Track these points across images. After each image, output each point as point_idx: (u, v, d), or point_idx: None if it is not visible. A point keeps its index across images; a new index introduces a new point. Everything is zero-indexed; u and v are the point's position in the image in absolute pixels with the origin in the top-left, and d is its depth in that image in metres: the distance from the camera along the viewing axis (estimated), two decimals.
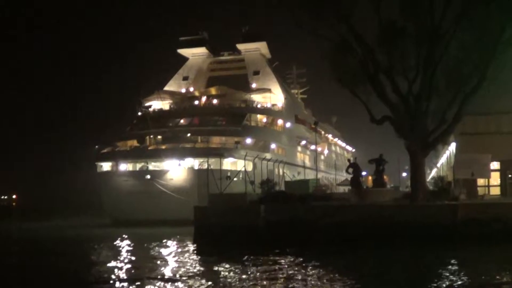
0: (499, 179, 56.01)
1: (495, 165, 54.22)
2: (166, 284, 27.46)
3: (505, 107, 52.68)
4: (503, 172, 55.66)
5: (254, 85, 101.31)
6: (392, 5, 41.71)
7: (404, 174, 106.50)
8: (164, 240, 49.23)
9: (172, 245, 47.14)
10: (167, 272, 31.60)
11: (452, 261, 31.84)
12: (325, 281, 27.12)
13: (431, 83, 42.18)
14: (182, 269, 32.30)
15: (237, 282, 27.30)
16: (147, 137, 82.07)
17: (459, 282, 25.77)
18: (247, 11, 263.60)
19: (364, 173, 57.53)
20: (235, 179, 65.99)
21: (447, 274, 27.92)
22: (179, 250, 43.37)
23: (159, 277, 29.60)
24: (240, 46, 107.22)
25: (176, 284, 27.45)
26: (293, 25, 43.57)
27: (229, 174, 69.23)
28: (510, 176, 55.57)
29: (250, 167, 70.36)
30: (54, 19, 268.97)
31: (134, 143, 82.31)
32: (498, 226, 36.64)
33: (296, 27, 43.14)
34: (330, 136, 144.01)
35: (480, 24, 40.19)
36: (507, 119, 54.02)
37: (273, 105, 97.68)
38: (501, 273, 28.10)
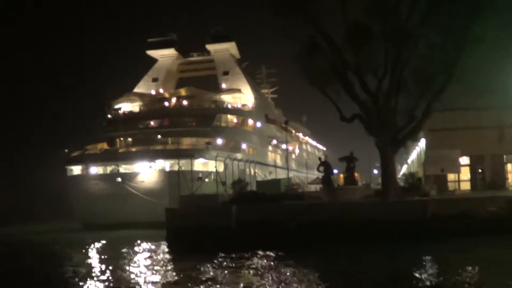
0: (469, 174, 56.57)
1: (464, 160, 54.84)
2: None
3: (472, 103, 53.20)
4: (472, 167, 56.29)
5: (224, 86, 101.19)
6: (360, 4, 41.89)
7: (375, 171, 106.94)
8: (136, 243, 49.02)
9: (144, 247, 46.96)
10: (140, 275, 31.46)
11: (423, 257, 32.01)
12: (296, 279, 27.19)
13: (399, 81, 42.47)
14: (155, 272, 32.20)
15: (210, 284, 27.25)
16: (117, 140, 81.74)
17: (431, 278, 25.94)
18: (216, 12, 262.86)
19: (335, 171, 57.66)
20: (206, 180, 65.92)
21: (418, 271, 28.09)
22: (151, 252, 43.21)
23: (131, 281, 29.45)
24: (210, 47, 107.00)
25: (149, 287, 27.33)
26: (262, 26, 43.61)
27: (200, 175, 69.09)
28: (479, 171, 56.14)
29: (221, 168, 70.25)
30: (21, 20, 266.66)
31: (104, 146, 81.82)
32: (468, 220, 37.02)
33: (265, 28, 43.20)
34: (300, 135, 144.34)
35: (446, 23, 40.50)
36: (475, 115, 54.53)
37: (243, 105, 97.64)
38: (471, 268, 28.37)
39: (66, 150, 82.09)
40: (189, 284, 27.32)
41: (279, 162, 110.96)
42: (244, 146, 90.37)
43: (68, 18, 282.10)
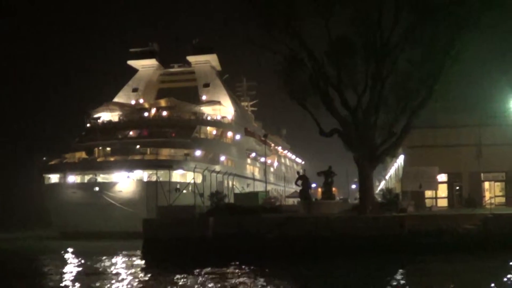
0: (446, 191, 56.84)
1: (442, 177, 55.10)
2: None
3: (451, 121, 53.57)
4: (450, 184, 56.60)
5: (204, 97, 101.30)
6: (342, 21, 42.05)
7: (353, 186, 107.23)
8: (113, 253, 48.77)
9: (120, 258, 46.73)
10: (113, 286, 31.25)
11: (399, 272, 32.15)
12: None
13: (379, 97, 42.63)
14: (130, 284, 32.01)
15: None
16: (96, 149, 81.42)
17: None
18: (197, 24, 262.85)
19: (313, 185, 57.80)
20: (184, 191, 65.76)
21: (394, 285, 28.17)
22: (128, 263, 43.01)
23: None
24: (191, 58, 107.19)
25: None
26: (244, 39, 43.64)
27: (178, 186, 68.99)
28: (457, 188, 56.45)
29: (199, 179, 70.20)
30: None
31: (83, 155, 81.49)
32: (445, 237, 37.21)
33: (246, 41, 43.22)
34: (279, 148, 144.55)
35: (428, 39, 40.76)
36: (454, 132, 54.90)
37: (222, 117, 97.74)
38: (446, 283, 28.52)
39: (44, 158, 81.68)
40: None
41: (257, 175, 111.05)
42: (222, 158, 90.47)
43: (48, 25, 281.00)
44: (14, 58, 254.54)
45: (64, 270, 39.59)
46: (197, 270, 34.37)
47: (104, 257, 46.18)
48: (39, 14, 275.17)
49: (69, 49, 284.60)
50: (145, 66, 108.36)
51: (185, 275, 32.70)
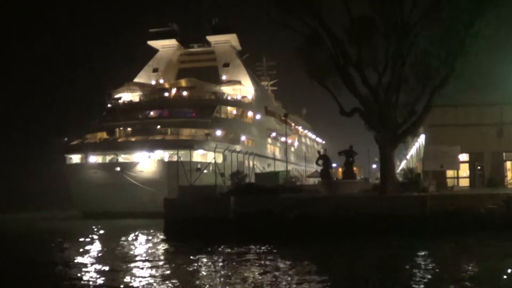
0: (468, 171, 56.53)
1: (464, 156, 54.74)
2: (136, 279, 27.26)
3: (473, 99, 53.14)
4: (471, 163, 56.22)
5: (224, 77, 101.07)
6: None
7: (374, 166, 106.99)
8: (134, 233, 49.00)
9: (141, 237, 46.92)
10: (135, 266, 31.38)
11: (421, 253, 32.03)
12: (294, 272, 27.14)
13: (400, 76, 42.39)
14: (152, 263, 32.13)
15: (207, 276, 27.26)
16: (117, 129, 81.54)
17: (427, 274, 25.89)
18: (217, 3, 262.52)
19: (334, 165, 57.63)
20: (205, 171, 65.89)
21: (416, 267, 28.08)
22: (149, 242, 43.17)
23: (127, 272, 29.40)
24: (210, 38, 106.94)
25: (146, 279, 27.28)
26: (263, 18, 43.47)
27: (199, 166, 69.10)
28: (479, 167, 56.09)
29: (220, 159, 70.31)
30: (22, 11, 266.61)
31: (104, 135, 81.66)
32: (466, 217, 37.03)
33: (266, 20, 43.06)
34: (300, 128, 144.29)
35: (448, 17, 40.40)
36: (476, 111, 54.43)
37: (243, 97, 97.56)
38: (469, 265, 28.39)
39: (65, 139, 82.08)
40: (186, 276, 27.31)
41: (278, 154, 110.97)
42: (243, 138, 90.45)
43: (71, 7, 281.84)
44: (34, 38, 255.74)
45: (85, 250, 39.79)
46: (218, 249, 34.50)
47: (124, 237, 46.42)
48: None
49: (90, 30, 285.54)
50: (165, 46, 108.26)
51: (206, 255, 32.79)
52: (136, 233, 48.91)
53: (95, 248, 41.80)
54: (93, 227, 56.69)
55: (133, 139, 77.91)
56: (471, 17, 39.54)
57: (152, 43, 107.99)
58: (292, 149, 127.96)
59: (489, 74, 46.82)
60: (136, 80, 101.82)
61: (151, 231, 49.50)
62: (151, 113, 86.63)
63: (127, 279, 27.10)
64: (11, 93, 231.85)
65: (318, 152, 53.98)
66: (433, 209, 37.71)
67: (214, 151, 68.36)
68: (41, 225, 64.03)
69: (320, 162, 48.12)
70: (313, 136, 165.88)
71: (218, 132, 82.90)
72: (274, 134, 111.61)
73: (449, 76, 41.55)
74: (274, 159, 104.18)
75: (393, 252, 33.15)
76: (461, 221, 36.74)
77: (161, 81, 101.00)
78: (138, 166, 73.52)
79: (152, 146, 74.94)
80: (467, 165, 56.41)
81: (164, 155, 75.45)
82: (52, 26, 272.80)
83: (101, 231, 53.35)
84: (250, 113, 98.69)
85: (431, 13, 40.63)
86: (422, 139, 60.73)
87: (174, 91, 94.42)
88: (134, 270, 29.71)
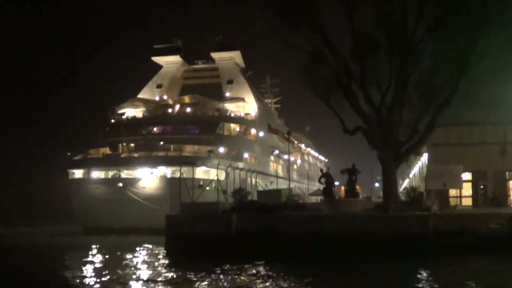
0: (470, 190, 56.44)
1: (467, 175, 54.69)
2: None
3: (477, 118, 53.15)
4: (474, 182, 56.14)
5: (227, 94, 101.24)
6: (366, 17, 41.90)
7: (377, 185, 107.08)
8: (136, 249, 48.92)
9: (143, 254, 46.87)
10: (138, 283, 31.34)
11: (423, 272, 31.94)
12: None
13: (403, 95, 42.42)
14: (153, 280, 32.05)
15: None
16: (120, 145, 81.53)
17: None
18: (221, 20, 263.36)
19: (336, 183, 57.60)
20: (207, 188, 65.78)
21: (418, 285, 27.99)
22: (151, 259, 43.11)
23: None
24: (214, 55, 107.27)
25: None
26: (267, 35, 43.63)
27: (201, 183, 68.98)
28: (481, 186, 56.00)
29: (222, 176, 70.16)
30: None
31: (107, 150, 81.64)
32: (469, 236, 36.88)
33: (270, 37, 43.20)
34: (303, 146, 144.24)
35: (452, 36, 40.47)
36: (479, 130, 54.49)
37: (246, 114, 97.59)
38: (471, 285, 28.29)
39: (68, 154, 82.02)
40: None
41: (280, 172, 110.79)
42: (246, 155, 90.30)
43: (75, 22, 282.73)
44: (39, 53, 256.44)
45: (86, 266, 39.74)
46: (219, 267, 34.37)
47: (127, 253, 46.34)
48: (64, 9, 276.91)
49: (95, 45, 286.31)
50: (169, 62, 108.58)
51: (207, 272, 32.70)
52: (137, 249, 48.83)
53: (94, 264, 41.70)
54: (95, 242, 56.54)
55: (136, 155, 77.86)
56: (475, 36, 39.61)
57: (156, 59, 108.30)
58: (295, 166, 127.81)
59: (492, 92, 46.80)
60: (139, 96, 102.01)
61: (153, 247, 49.41)
62: (154, 129, 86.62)
63: None
64: (14, 106, 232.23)
65: (321, 170, 54.06)
66: (435, 228, 37.59)
67: (217, 168, 68.28)
68: (42, 239, 63.95)
69: (323, 180, 48.03)
70: (316, 154, 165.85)
71: (221, 149, 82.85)
72: (277, 151, 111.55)
73: (452, 95, 41.58)
74: (277, 176, 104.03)
75: (395, 272, 33.06)
76: (464, 240, 36.61)
77: (165, 97, 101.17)
78: (141, 182, 73.42)
79: (155, 162, 74.89)
80: (469, 184, 56.34)
81: (166, 171, 75.34)
82: (56, 39, 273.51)
83: (102, 247, 53.18)
84: (253, 131, 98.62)
85: (435, 31, 40.72)
86: (424, 158, 60.73)
87: (177, 107, 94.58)
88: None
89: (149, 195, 71.34)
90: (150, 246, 50.34)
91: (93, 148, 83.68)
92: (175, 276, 33.31)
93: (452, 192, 55.20)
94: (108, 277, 33.55)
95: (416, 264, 34.22)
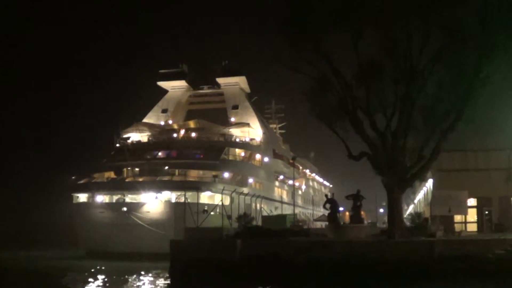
0: (476, 216, 56.23)
1: (472, 201, 54.48)
2: None
3: (482, 144, 53.09)
4: (479, 208, 55.91)
5: (233, 119, 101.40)
6: (371, 43, 42.06)
7: (382, 210, 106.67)
8: (140, 274, 48.80)
9: (147, 279, 46.73)
10: None
11: None
12: None
13: (408, 120, 42.46)
14: None
15: None
16: (125, 169, 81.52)
17: None
18: (227, 45, 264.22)
19: (341, 209, 57.44)
20: (212, 213, 65.80)
21: None
22: (155, 284, 42.97)
23: None
24: (220, 80, 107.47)
25: None
26: (273, 60, 43.85)
27: (206, 208, 68.97)
28: (486, 212, 55.79)
29: (227, 201, 70.19)
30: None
31: (111, 174, 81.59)
32: (474, 262, 36.71)
33: (277, 63, 43.42)
34: (307, 171, 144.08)
35: (457, 62, 40.59)
36: (484, 156, 54.39)
37: (251, 139, 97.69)
38: None
39: (73, 178, 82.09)
40: None
41: (285, 197, 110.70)
42: (251, 180, 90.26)
43: (80, 45, 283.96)
44: (45, 76, 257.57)
45: None
46: None
47: (131, 278, 46.22)
48: (70, 33, 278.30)
49: (101, 70, 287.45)
50: (174, 87, 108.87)
51: None
52: (141, 274, 48.70)
53: (99, 285, 41.61)
54: (98, 267, 56.41)
55: (140, 180, 77.85)
56: (479, 62, 39.73)
57: (162, 84, 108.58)
58: (300, 192, 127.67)
59: (497, 118, 46.82)
60: (145, 120, 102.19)
61: (157, 272, 49.27)
62: (159, 153, 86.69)
63: None
64: (18, 128, 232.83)
65: (326, 195, 53.83)
66: (441, 254, 37.45)
67: (222, 193, 68.33)
68: (46, 263, 63.86)
69: (328, 205, 47.93)
70: (321, 180, 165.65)
71: (226, 174, 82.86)
72: (281, 177, 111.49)
73: (457, 120, 41.64)
74: (282, 202, 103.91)
75: None
76: (469, 266, 36.44)
77: (170, 122, 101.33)
78: (145, 206, 73.33)
79: (160, 186, 74.85)
80: (475, 210, 56.13)
81: (171, 196, 75.30)
82: (61, 63, 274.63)
83: (106, 272, 53.05)
84: (258, 156, 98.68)
85: (440, 58, 40.85)
86: (430, 183, 60.57)
87: (182, 132, 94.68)
88: None
89: (154, 219, 71.25)
90: (154, 271, 50.18)
91: (98, 172, 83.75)
92: None
93: (457, 218, 54.95)
94: None
95: None
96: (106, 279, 47.66)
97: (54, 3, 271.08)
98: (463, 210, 51.49)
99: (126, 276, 46.83)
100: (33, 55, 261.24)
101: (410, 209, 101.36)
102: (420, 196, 78.40)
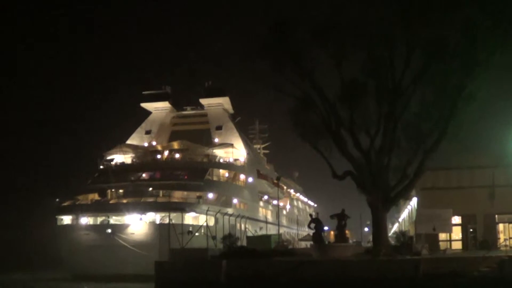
0: (460, 234, 56.36)
1: (456, 219, 54.60)
2: None
3: (465, 162, 53.29)
4: (464, 226, 56.07)
5: (216, 140, 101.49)
6: (354, 62, 42.25)
7: (366, 229, 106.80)
8: None
9: None
10: None
11: None
12: None
13: (392, 139, 42.61)
14: None
15: None
16: (109, 191, 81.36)
17: None
18: (210, 66, 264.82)
19: (326, 228, 57.46)
20: (196, 234, 65.58)
21: None
22: None
23: None
24: (203, 101, 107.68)
25: None
26: (257, 81, 43.96)
27: (190, 229, 68.77)
28: (471, 230, 55.94)
29: (212, 222, 70.00)
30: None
31: (95, 196, 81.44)
32: (460, 280, 36.73)
33: (260, 83, 43.52)
34: (292, 191, 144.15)
35: (439, 81, 40.85)
36: (468, 174, 54.56)
37: (235, 160, 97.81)
38: None
39: (57, 200, 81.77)
40: None
41: (270, 217, 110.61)
42: (235, 201, 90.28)
43: (63, 64, 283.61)
44: (26, 96, 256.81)
45: None
46: None
47: None
48: (51, 53, 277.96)
49: (84, 90, 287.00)
50: (158, 108, 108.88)
51: None
52: None
53: None
54: None
55: (124, 201, 77.64)
56: (461, 80, 39.99)
57: (145, 105, 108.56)
58: (284, 212, 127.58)
59: (481, 136, 47.09)
60: (128, 141, 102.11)
61: None
62: (143, 175, 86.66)
63: None
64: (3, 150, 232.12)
65: (310, 215, 53.82)
66: (426, 272, 37.41)
67: (206, 214, 68.18)
68: (31, 285, 63.44)
69: (312, 225, 47.90)
70: (305, 199, 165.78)
71: (210, 195, 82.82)
72: (266, 197, 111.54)
73: (440, 139, 41.84)
74: (266, 222, 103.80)
75: None
76: (454, 284, 36.45)
77: (154, 143, 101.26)
78: (130, 228, 73.10)
79: (144, 208, 74.72)
80: (459, 227, 56.27)
81: (155, 217, 75.12)
82: (45, 83, 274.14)
83: None
84: (242, 176, 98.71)
85: (422, 76, 41.09)
86: (414, 202, 60.74)
87: (166, 153, 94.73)
88: None
89: (138, 241, 71.01)
90: None
91: (82, 194, 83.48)
92: None
93: (442, 236, 55.04)
94: None
95: None
96: None
97: (37, 19, 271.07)
98: (448, 228, 51.54)
99: None
100: (16, 73, 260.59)
101: (395, 227, 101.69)
102: (404, 214, 78.61)
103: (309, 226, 50.08)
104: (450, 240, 55.60)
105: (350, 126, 42.70)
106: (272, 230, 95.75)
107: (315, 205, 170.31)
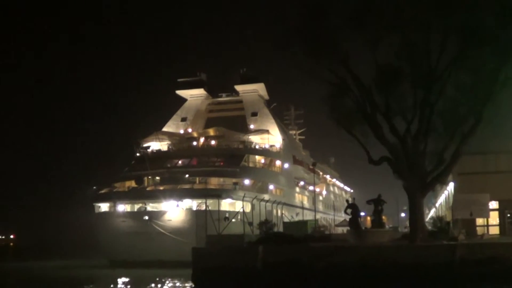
0: (498, 219, 55.86)
1: (493, 204, 54.09)
2: None
3: (503, 147, 52.73)
4: (501, 211, 55.51)
5: (252, 126, 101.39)
6: (390, 46, 41.93)
7: (403, 215, 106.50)
8: (162, 282, 48.91)
9: (170, 287, 46.79)
10: None
11: None
12: None
13: (428, 124, 42.29)
14: None
15: None
16: (145, 178, 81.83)
17: None
18: (245, 52, 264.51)
19: (362, 213, 57.35)
20: (233, 220, 65.77)
21: None
22: None
23: None
24: (238, 88, 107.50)
25: None
26: (291, 67, 43.83)
27: (227, 215, 68.94)
28: (508, 215, 55.41)
29: (248, 208, 70.14)
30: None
31: (132, 184, 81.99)
32: (497, 266, 36.50)
33: (294, 69, 43.39)
34: (328, 176, 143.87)
35: (476, 65, 40.42)
36: (505, 158, 53.99)
37: (271, 146, 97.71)
38: None
39: (94, 187, 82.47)
40: None
41: (306, 203, 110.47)
42: (271, 187, 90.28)
43: (100, 56, 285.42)
44: (60, 86, 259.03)
45: None
46: None
47: (153, 286, 46.32)
48: (86, 47, 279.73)
49: (120, 79, 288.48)
50: (193, 95, 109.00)
51: None
52: (164, 283, 48.78)
53: None
54: (121, 275, 56.62)
55: (161, 188, 78.04)
56: (498, 64, 39.55)
57: (181, 92, 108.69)
58: (320, 198, 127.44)
59: None
60: (164, 129, 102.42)
61: (179, 280, 49.34)
62: (180, 162, 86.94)
63: None
64: (43, 140, 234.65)
65: (347, 201, 53.84)
66: (462, 258, 37.24)
67: (242, 200, 68.34)
68: (69, 272, 64.22)
69: (349, 211, 47.89)
70: (341, 185, 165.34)
71: (246, 181, 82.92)
72: (302, 183, 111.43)
73: (477, 123, 41.40)
74: (303, 208, 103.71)
75: None
76: (491, 269, 36.24)
77: (190, 130, 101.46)
78: (167, 215, 73.50)
79: (181, 195, 75.01)
80: (497, 212, 55.77)
81: (192, 204, 75.46)
82: (81, 74, 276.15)
83: (128, 280, 53.23)
84: (278, 162, 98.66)
85: (458, 61, 40.68)
86: (451, 187, 60.30)
87: (202, 140, 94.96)
88: None
89: (175, 228, 71.40)
90: (177, 279, 50.27)
91: (119, 181, 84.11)
92: None
93: (479, 221, 54.64)
94: None
95: None
96: None
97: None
98: (485, 213, 51.19)
99: (149, 285, 46.95)
100: (52, 64, 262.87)
101: (432, 213, 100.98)
102: (441, 199, 78.06)
103: (345, 212, 50.09)
104: (487, 225, 55.11)
105: (386, 111, 42.42)
106: (308, 216, 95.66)
107: (352, 191, 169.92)
